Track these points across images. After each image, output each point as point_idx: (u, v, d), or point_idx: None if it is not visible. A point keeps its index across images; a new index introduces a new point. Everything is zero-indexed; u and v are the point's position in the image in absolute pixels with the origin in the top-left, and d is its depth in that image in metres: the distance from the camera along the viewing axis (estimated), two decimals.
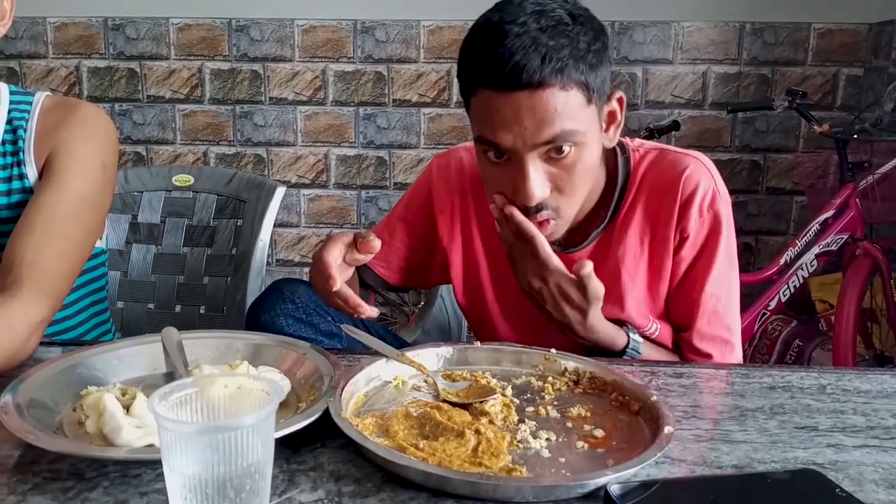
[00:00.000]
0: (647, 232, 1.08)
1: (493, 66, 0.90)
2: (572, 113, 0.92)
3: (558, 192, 0.97)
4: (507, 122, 0.92)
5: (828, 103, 2.89)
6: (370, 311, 0.95)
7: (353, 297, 0.94)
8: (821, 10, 2.84)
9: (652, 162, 1.09)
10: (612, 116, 1.03)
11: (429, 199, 1.21)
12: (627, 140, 1.12)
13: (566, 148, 0.93)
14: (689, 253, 1.07)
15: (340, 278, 0.92)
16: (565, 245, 1.11)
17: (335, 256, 0.93)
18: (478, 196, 1.17)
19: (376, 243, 0.93)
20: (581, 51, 0.91)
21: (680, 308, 1.10)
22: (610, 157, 1.11)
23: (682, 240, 1.06)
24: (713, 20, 2.86)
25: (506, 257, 1.13)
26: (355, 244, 0.94)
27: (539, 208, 0.97)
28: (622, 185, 1.09)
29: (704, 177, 1.06)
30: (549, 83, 0.89)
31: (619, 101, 1.02)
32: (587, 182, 1.00)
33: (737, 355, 1.12)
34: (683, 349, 1.12)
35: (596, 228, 1.10)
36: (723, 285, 1.08)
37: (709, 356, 1.09)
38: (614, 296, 1.09)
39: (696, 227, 1.06)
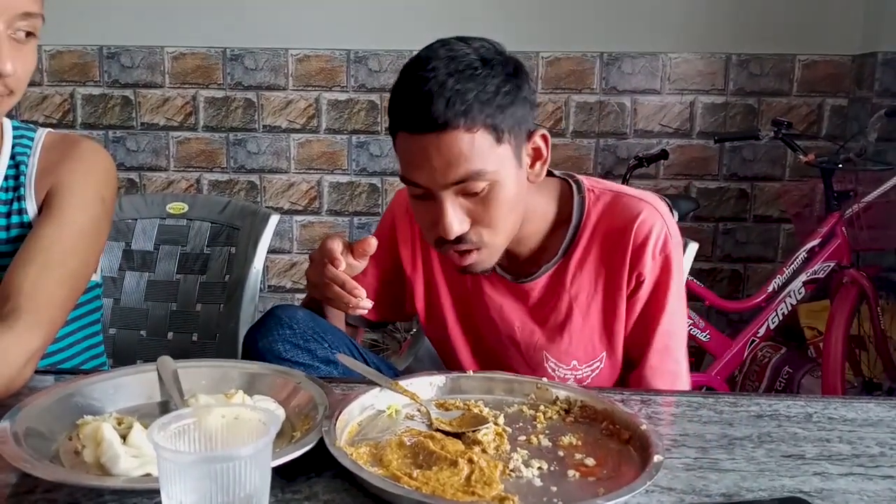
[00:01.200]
0: (601, 273, 1.11)
1: (404, 110, 0.97)
2: (480, 154, 0.95)
3: (479, 225, 1.00)
4: (420, 162, 0.96)
5: (813, 133, 2.93)
6: (366, 301, 1.01)
7: (350, 280, 1.01)
8: (805, 42, 2.89)
9: (607, 205, 1.12)
10: (536, 153, 1.05)
11: (393, 232, 1.25)
12: (584, 179, 1.14)
13: (480, 185, 0.97)
14: (644, 293, 1.11)
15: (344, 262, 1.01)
16: (517, 275, 1.14)
17: (337, 245, 1.02)
18: None
19: (373, 241, 1.02)
20: (489, 94, 0.95)
21: (635, 344, 1.14)
22: (565, 193, 1.13)
23: (639, 283, 1.10)
24: (700, 52, 2.91)
25: (466, 286, 1.17)
26: (351, 250, 1.02)
27: (460, 240, 1.01)
28: (576, 223, 1.11)
29: (657, 222, 1.09)
30: (454, 125, 0.93)
31: (544, 138, 1.05)
32: (510, 215, 1.02)
33: (685, 383, 1.16)
34: (633, 384, 1.15)
35: (546, 263, 1.12)
36: (674, 322, 1.12)
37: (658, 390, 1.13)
38: (564, 331, 1.13)
39: (650, 269, 1.09)
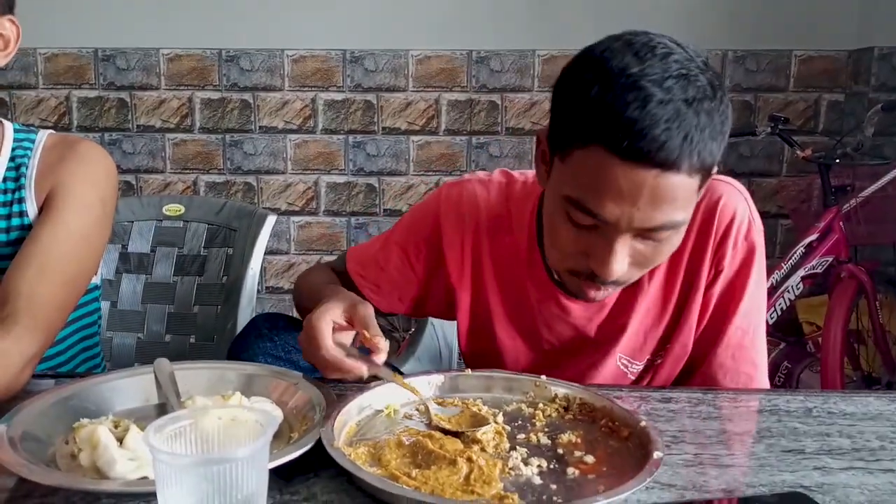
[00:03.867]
0: (680, 266, 1.01)
1: (624, 130, 0.77)
2: (688, 202, 0.83)
3: (635, 266, 0.88)
4: (620, 196, 0.80)
5: (810, 128, 2.93)
6: (381, 362, 0.89)
7: (346, 362, 0.87)
8: (801, 38, 2.90)
9: None
10: None
11: (436, 231, 1.11)
12: None
13: (666, 233, 0.85)
14: (721, 286, 1.01)
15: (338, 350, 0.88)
16: None
17: (338, 351, 0.88)
18: (493, 236, 1.09)
19: (383, 346, 0.88)
20: (717, 133, 0.80)
21: (704, 339, 1.04)
22: None
23: (717, 273, 1.01)
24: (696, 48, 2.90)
25: (526, 296, 1.06)
26: (349, 320, 0.90)
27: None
28: None
29: (740, 205, 1.00)
30: (682, 166, 0.78)
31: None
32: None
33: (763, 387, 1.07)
34: (700, 384, 1.05)
35: None
36: (751, 319, 1.02)
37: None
38: (640, 330, 1.05)
39: (730, 260, 1.00)
